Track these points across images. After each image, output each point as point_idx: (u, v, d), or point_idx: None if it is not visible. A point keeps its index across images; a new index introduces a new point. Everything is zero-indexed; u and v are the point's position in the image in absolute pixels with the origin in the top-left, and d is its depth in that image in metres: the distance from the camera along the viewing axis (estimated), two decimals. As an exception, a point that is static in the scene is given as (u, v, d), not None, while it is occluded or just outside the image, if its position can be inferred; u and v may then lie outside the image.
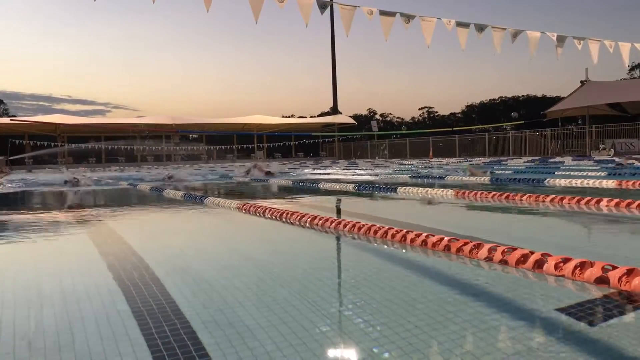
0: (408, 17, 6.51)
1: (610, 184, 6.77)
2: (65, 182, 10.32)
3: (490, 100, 65.34)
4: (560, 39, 7.48)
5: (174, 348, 1.43)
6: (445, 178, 9.29)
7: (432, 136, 33.76)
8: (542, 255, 2.24)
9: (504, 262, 2.32)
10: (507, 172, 11.33)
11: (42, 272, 2.67)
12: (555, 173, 9.51)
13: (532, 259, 2.23)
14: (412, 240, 2.85)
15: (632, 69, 49.15)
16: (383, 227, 3.15)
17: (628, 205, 4.38)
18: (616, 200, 4.57)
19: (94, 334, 1.60)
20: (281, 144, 39.83)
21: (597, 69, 43.13)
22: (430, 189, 6.56)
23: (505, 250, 2.37)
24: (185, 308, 1.82)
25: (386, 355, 1.37)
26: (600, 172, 8.93)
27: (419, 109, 73.04)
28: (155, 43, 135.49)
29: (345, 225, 3.46)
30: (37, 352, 1.47)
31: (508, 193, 5.50)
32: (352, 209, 5.76)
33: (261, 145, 42.08)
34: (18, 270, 2.73)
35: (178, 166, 24.09)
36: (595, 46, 7.74)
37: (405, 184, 7.61)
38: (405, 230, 2.99)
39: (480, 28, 7.05)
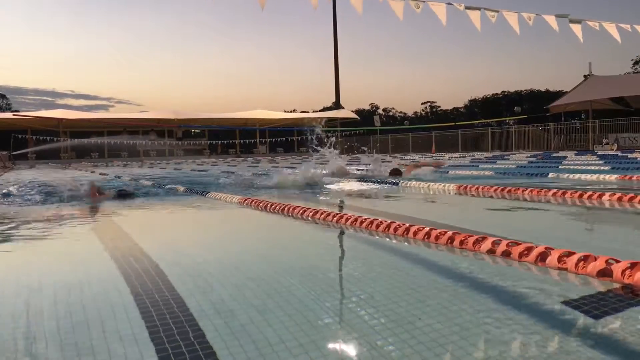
0: (418, 2, 6.42)
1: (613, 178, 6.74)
2: (121, 192, 6.16)
3: (493, 94, 65.22)
4: (575, 21, 7.30)
5: (178, 340, 1.43)
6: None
7: (435, 131, 33.71)
8: (545, 248, 2.23)
9: (507, 254, 2.32)
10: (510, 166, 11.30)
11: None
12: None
13: (535, 251, 2.23)
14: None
15: (636, 63, 48.93)
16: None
17: (631, 199, 4.37)
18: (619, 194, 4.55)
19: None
20: (283, 139, 39.82)
21: (600, 64, 43.00)
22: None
23: (509, 243, 2.37)
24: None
25: (389, 347, 1.37)
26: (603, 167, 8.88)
27: (422, 104, 73.13)
28: (159, 38, 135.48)
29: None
30: (38, 349, 1.48)
31: (510, 187, 5.49)
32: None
33: (263, 140, 42.08)
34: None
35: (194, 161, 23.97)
36: (612, 27, 7.55)
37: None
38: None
39: (493, 12, 6.92)
